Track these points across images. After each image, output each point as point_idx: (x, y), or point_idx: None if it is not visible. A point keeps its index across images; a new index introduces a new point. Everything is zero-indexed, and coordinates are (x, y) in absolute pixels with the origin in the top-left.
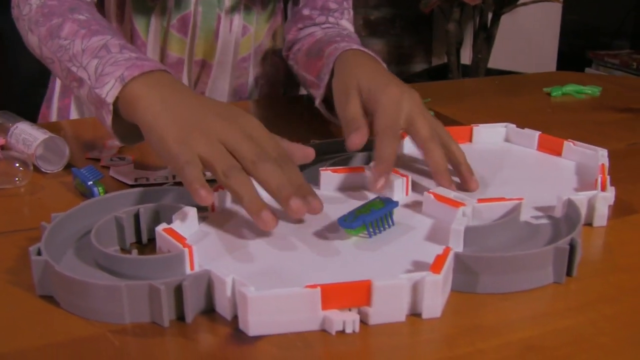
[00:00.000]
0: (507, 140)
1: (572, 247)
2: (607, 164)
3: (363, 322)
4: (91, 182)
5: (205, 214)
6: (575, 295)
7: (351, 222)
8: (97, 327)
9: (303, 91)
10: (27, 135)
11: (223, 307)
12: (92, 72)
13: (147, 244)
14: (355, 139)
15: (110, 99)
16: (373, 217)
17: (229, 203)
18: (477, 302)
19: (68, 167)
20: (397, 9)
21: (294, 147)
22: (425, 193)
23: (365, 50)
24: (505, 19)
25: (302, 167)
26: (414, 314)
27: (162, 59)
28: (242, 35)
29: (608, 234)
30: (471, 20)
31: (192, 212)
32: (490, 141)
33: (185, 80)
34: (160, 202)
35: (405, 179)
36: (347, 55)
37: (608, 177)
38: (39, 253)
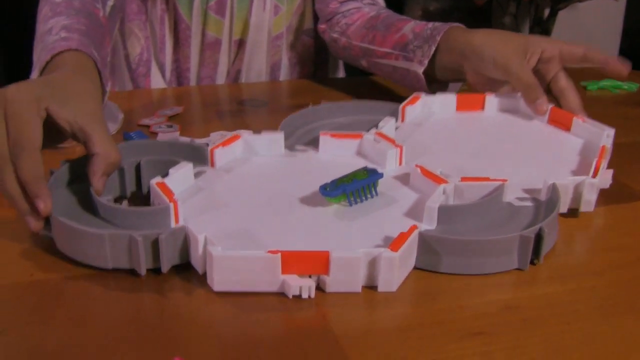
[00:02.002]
0: (520, 110)
1: (539, 236)
2: (609, 145)
3: (321, 289)
4: None
5: (204, 169)
6: (557, 269)
7: (331, 191)
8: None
9: (333, 69)
10: None
11: (196, 262)
12: (35, 58)
13: (147, 194)
14: (542, 105)
15: None
16: (354, 187)
17: (226, 161)
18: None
19: (121, 131)
20: (455, 1)
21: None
22: (413, 166)
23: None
24: (563, 15)
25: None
26: (371, 286)
27: (202, 39)
28: (274, 15)
29: (603, 215)
30: (528, 14)
31: (187, 167)
32: (502, 110)
33: (224, 59)
34: (161, 156)
35: (399, 149)
36: (459, 31)
37: (605, 161)
38: None
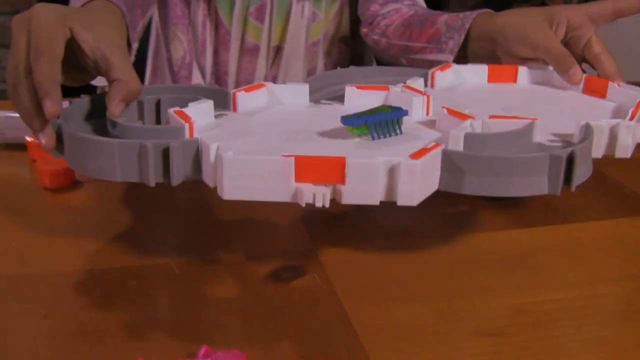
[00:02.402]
0: (553, 82)
1: (571, 159)
2: None
3: (336, 200)
4: None
5: (225, 112)
6: (573, 274)
7: (352, 120)
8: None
9: None
10: None
11: (207, 174)
12: None
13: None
14: (577, 75)
15: None
16: (377, 119)
17: (248, 107)
18: None
19: None
20: (494, 11)
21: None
22: (440, 108)
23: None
24: (606, 28)
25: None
26: (390, 200)
27: (242, 44)
28: (312, 21)
29: (623, 225)
30: None
31: (208, 103)
32: (536, 82)
33: (262, 64)
34: (182, 95)
35: (425, 97)
36: (485, 17)
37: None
38: (58, 117)
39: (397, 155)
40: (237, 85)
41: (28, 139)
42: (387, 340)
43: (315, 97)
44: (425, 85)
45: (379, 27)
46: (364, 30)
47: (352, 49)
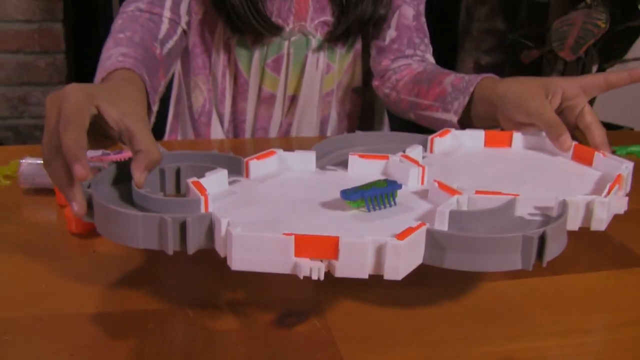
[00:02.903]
0: (545, 148)
1: (543, 239)
2: (625, 175)
3: (330, 273)
4: None
5: (239, 178)
6: (552, 325)
7: (350, 195)
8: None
9: (378, 124)
10: None
11: (219, 245)
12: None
13: (184, 195)
14: (567, 142)
15: None
16: (373, 194)
17: (260, 174)
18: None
19: None
20: (507, 55)
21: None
22: (432, 181)
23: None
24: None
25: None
26: (377, 274)
27: (259, 94)
28: (326, 73)
29: (604, 278)
30: (575, 72)
31: (222, 172)
32: (529, 147)
33: (277, 112)
34: (200, 163)
35: (421, 168)
36: (489, 81)
37: (622, 189)
38: (89, 186)
39: (390, 228)
40: (254, 131)
41: None
42: None
43: (322, 162)
44: (425, 150)
45: (390, 81)
46: (375, 83)
47: (364, 99)
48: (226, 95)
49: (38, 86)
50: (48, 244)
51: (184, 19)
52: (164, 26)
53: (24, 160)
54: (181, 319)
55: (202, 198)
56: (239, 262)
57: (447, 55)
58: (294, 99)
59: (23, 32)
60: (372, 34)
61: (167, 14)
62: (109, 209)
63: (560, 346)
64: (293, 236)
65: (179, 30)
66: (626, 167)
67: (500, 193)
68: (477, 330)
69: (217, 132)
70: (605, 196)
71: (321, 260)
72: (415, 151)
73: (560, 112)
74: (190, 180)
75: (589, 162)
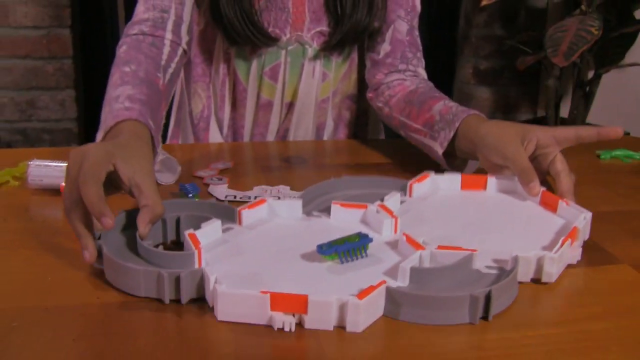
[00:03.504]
0: (517, 192)
1: (489, 297)
2: (582, 227)
3: (300, 326)
4: (190, 195)
5: (233, 226)
6: (517, 319)
7: (325, 250)
8: (123, 296)
9: (373, 130)
10: None
11: (208, 296)
12: (102, 118)
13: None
14: (535, 187)
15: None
16: (345, 248)
17: (251, 221)
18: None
19: (179, 181)
20: (505, 61)
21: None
22: (401, 234)
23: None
24: (614, 78)
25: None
26: (341, 326)
27: (257, 101)
28: (322, 81)
29: (574, 276)
30: (572, 77)
31: (216, 223)
32: (502, 190)
33: (275, 119)
34: (198, 213)
35: (394, 219)
36: (481, 119)
37: (577, 240)
38: (99, 237)
39: (358, 280)
40: (252, 137)
41: (63, 184)
42: None
43: (308, 208)
44: (405, 194)
45: (383, 96)
46: (369, 95)
47: (359, 106)
48: (225, 102)
49: (46, 90)
50: (54, 241)
51: (184, 40)
52: (166, 49)
53: (31, 162)
54: (174, 309)
55: (196, 252)
56: (223, 314)
57: (446, 60)
58: (291, 106)
59: (32, 38)
60: (368, 46)
61: (168, 36)
62: (115, 263)
63: (527, 337)
64: (269, 294)
65: (180, 51)
66: (584, 218)
67: (460, 248)
68: (435, 331)
69: (215, 137)
70: (556, 252)
71: (293, 315)
72: (393, 199)
73: (534, 158)
74: (187, 233)
75: (553, 209)
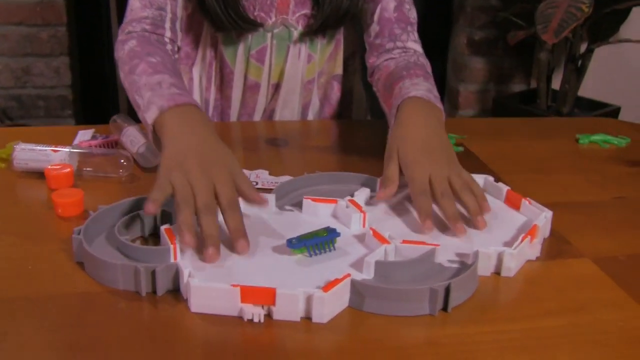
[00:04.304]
0: (483, 188)
1: (448, 290)
2: (542, 225)
3: (269, 317)
4: None
5: None
6: (474, 313)
7: (294, 244)
8: (101, 287)
9: (356, 111)
10: (133, 137)
11: (183, 289)
12: (145, 101)
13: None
14: (382, 195)
15: (150, 121)
16: (313, 242)
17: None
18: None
19: None
20: (500, 32)
21: (251, 197)
22: (368, 228)
23: (422, 96)
24: (606, 52)
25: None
26: (308, 317)
27: (244, 82)
28: (307, 62)
29: (535, 269)
30: (564, 51)
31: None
32: None
33: (262, 100)
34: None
35: (363, 214)
36: (402, 109)
37: (537, 238)
38: (79, 233)
39: (325, 272)
40: (239, 117)
41: (49, 167)
42: None
43: (281, 202)
44: (373, 190)
45: (375, 79)
46: (369, 79)
47: (344, 86)
48: (212, 83)
49: (41, 57)
50: (37, 227)
51: (179, 37)
52: (168, 47)
53: (17, 146)
54: (151, 300)
55: (171, 247)
56: (196, 306)
57: (441, 31)
58: (277, 87)
59: (26, 5)
60: (362, 29)
61: (167, 34)
62: (95, 258)
63: (482, 333)
64: (239, 287)
65: (176, 48)
66: (545, 217)
67: (424, 243)
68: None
69: None
70: (515, 248)
71: (262, 307)
72: (362, 194)
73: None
74: (163, 228)
75: (517, 207)
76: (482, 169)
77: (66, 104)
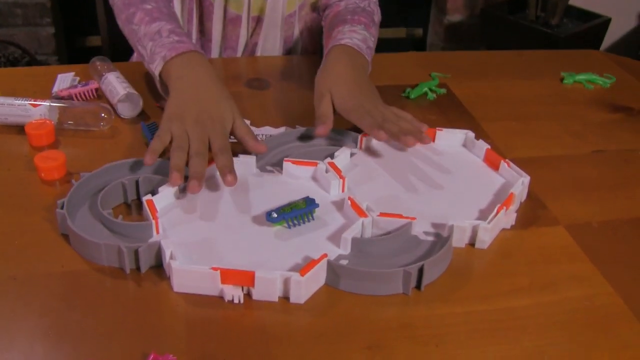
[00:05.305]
0: (464, 145)
1: (422, 270)
2: (518, 193)
3: (248, 296)
4: (151, 139)
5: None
6: (448, 293)
7: (274, 218)
8: (87, 264)
9: None
10: (112, 88)
11: (165, 267)
12: (148, 51)
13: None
14: (321, 131)
15: (157, 72)
16: (292, 215)
17: (207, 178)
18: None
19: (142, 114)
20: None
21: (248, 144)
22: (346, 198)
23: (352, 45)
24: None
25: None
26: (286, 297)
27: (225, 15)
28: None
29: (509, 239)
30: None
31: (173, 188)
32: (449, 144)
33: (243, 33)
34: (155, 174)
35: (342, 180)
36: (331, 53)
37: (513, 205)
38: (62, 207)
39: (304, 246)
40: (222, 51)
41: (30, 123)
42: (285, 344)
43: (262, 162)
44: (355, 145)
45: (324, 15)
46: (321, 13)
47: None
48: (193, 16)
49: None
50: (20, 193)
51: None
52: None
53: None
54: (134, 277)
55: (154, 222)
56: (178, 286)
57: None
58: (259, 20)
59: None
60: None
61: None
62: (79, 236)
63: (453, 314)
64: (219, 271)
65: None
66: (522, 183)
67: (400, 216)
68: (380, 298)
69: None
70: (490, 221)
71: (242, 288)
72: (343, 155)
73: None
74: (145, 199)
75: (496, 167)
76: (464, 116)
77: (45, 12)
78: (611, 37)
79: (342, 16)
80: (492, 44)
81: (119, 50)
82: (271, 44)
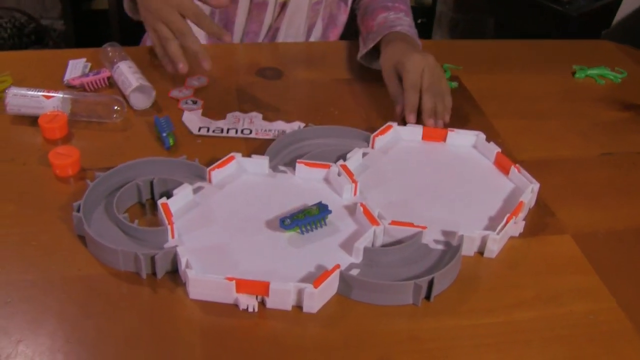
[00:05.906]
0: (474, 146)
1: (432, 282)
2: (527, 201)
3: (262, 304)
4: (165, 134)
5: (203, 184)
6: (457, 305)
7: (287, 226)
8: (103, 268)
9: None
10: (124, 78)
11: (181, 273)
12: None
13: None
14: (399, 109)
15: None
16: (305, 222)
17: (220, 178)
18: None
19: (154, 104)
20: None
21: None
22: (359, 204)
23: (406, 33)
24: None
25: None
26: (299, 306)
27: (251, 0)
28: None
29: (516, 249)
30: None
31: (188, 189)
32: (460, 144)
33: (268, 18)
34: (170, 176)
35: (354, 184)
36: (390, 38)
37: (522, 213)
38: (79, 209)
39: (317, 252)
40: (244, 35)
41: (43, 115)
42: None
43: (275, 162)
44: (368, 145)
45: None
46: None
47: (351, 8)
48: None
49: None
50: (35, 191)
51: None
52: None
53: (9, 90)
54: (151, 284)
55: (169, 227)
56: (194, 294)
57: None
58: (284, 6)
59: None
60: None
61: None
62: (97, 242)
63: (460, 327)
64: (234, 281)
65: None
66: (531, 190)
67: (411, 225)
68: (390, 308)
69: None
70: (499, 232)
71: (256, 297)
72: (356, 156)
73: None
74: (160, 202)
75: (506, 171)
76: (475, 111)
77: None
78: (620, 15)
79: (381, 2)
80: (500, 19)
81: (125, 15)
82: (294, 30)
